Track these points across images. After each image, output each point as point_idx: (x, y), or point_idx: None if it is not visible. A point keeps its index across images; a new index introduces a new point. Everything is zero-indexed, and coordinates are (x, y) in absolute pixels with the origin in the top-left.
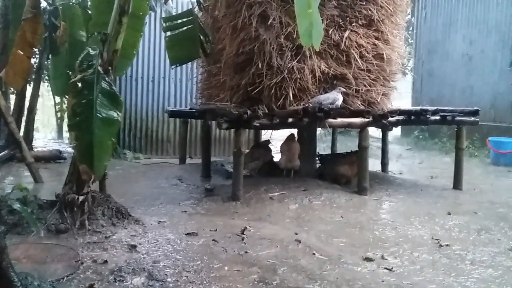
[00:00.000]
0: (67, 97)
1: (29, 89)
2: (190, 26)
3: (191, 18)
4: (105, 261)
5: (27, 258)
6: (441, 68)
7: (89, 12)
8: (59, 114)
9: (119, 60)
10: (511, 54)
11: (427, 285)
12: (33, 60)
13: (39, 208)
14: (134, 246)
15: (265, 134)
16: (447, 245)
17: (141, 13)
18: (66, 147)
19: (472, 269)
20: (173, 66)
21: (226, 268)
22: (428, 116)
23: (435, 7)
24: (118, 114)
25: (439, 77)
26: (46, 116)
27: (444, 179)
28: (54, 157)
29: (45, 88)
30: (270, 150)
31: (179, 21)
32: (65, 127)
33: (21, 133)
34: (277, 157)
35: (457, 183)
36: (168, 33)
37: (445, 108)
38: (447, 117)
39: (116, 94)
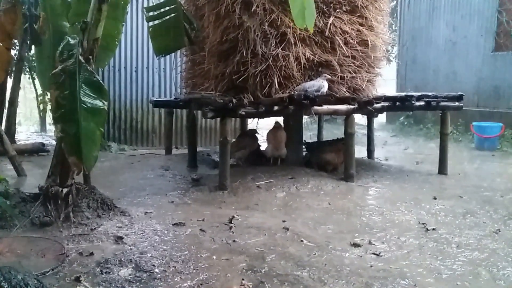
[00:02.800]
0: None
1: (10, 82)
2: (173, 14)
3: (174, 6)
4: (91, 253)
5: (11, 252)
6: (425, 54)
7: (69, 0)
8: (41, 107)
9: (101, 51)
10: (494, 39)
11: (414, 269)
12: (13, 52)
13: (22, 201)
14: (121, 238)
15: (251, 123)
16: (433, 229)
17: (121, 2)
18: (50, 140)
19: (458, 252)
20: (158, 57)
21: (214, 257)
22: (413, 102)
23: None
24: (103, 103)
25: (423, 63)
26: (29, 109)
27: (430, 165)
28: (37, 149)
29: (26, 80)
30: (256, 139)
31: (162, 10)
32: (48, 120)
33: (3, 126)
34: (263, 145)
35: (442, 168)
36: (152, 23)
37: (430, 93)
38: (432, 102)
39: (99, 83)
